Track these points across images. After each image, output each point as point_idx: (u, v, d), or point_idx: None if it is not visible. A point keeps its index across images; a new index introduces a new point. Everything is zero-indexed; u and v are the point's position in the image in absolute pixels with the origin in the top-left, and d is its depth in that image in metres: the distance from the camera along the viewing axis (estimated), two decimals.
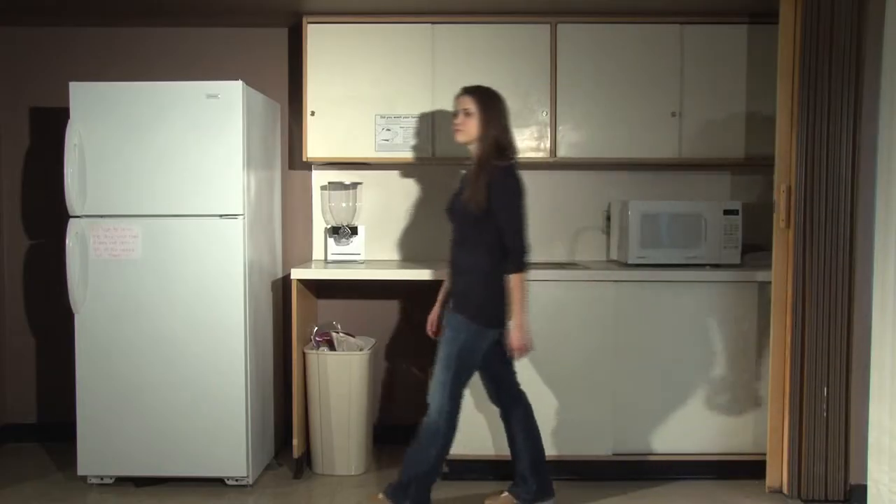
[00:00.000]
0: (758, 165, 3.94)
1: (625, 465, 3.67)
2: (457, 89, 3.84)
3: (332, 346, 3.79)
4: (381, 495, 3.28)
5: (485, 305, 3.11)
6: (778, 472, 3.45)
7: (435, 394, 3.15)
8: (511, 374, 3.34)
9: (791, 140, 3.38)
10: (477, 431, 3.64)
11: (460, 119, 3.16)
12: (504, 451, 3.64)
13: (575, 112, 3.88)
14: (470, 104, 3.14)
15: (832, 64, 3.31)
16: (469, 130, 3.14)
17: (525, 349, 3.13)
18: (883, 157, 3.22)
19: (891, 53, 3.17)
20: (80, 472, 3.55)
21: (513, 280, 3.07)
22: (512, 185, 3.09)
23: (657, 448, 3.67)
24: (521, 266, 3.07)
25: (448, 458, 3.64)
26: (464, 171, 3.25)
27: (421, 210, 4.18)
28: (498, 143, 3.12)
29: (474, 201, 3.04)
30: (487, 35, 3.87)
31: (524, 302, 3.08)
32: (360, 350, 3.80)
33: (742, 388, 3.65)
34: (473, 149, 3.16)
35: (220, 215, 3.47)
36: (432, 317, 3.47)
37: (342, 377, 3.70)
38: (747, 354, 3.65)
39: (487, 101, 3.15)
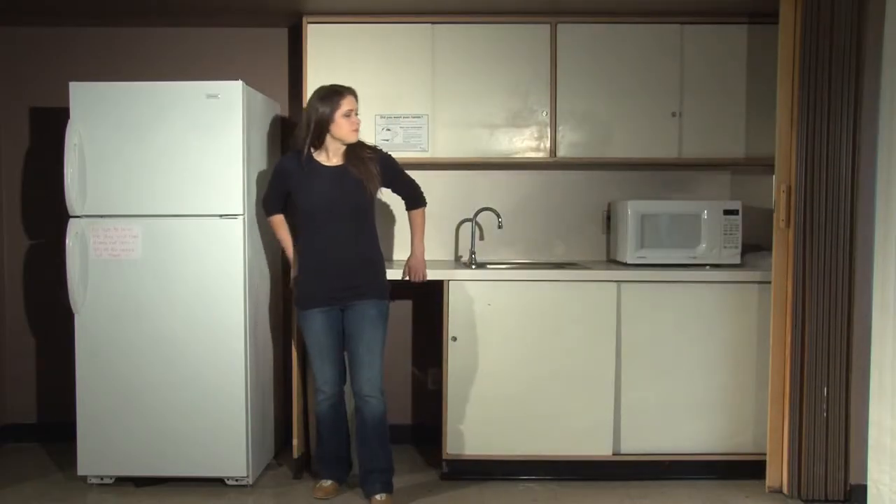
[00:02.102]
0: (758, 165, 3.95)
1: (625, 465, 3.67)
2: (457, 89, 3.87)
3: None
4: (379, 496, 3.31)
5: (386, 283, 3.40)
6: (778, 472, 3.45)
7: (376, 384, 3.29)
8: None
9: (791, 140, 3.38)
10: (477, 432, 3.64)
11: (357, 119, 3.32)
12: (505, 451, 3.65)
13: (575, 112, 3.88)
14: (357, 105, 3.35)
15: (832, 64, 3.31)
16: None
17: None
18: (883, 157, 3.22)
19: (891, 53, 3.17)
20: (80, 472, 3.54)
21: (420, 214, 3.52)
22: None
23: (657, 448, 3.66)
24: (425, 201, 3.54)
25: (448, 458, 3.65)
26: (332, 166, 3.30)
27: None
28: None
29: (374, 186, 3.31)
30: (487, 35, 3.87)
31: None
32: None
33: (742, 388, 3.65)
34: (348, 144, 3.32)
35: (220, 215, 3.47)
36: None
37: None
38: (747, 354, 3.65)
39: None
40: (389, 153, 3.44)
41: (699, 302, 3.63)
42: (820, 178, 3.34)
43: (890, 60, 3.18)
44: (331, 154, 3.31)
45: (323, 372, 3.38)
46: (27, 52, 4.19)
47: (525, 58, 3.87)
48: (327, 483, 3.50)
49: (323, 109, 3.24)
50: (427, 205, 3.54)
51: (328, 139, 3.29)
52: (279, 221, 3.49)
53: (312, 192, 3.28)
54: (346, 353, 3.40)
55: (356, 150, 3.32)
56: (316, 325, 3.33)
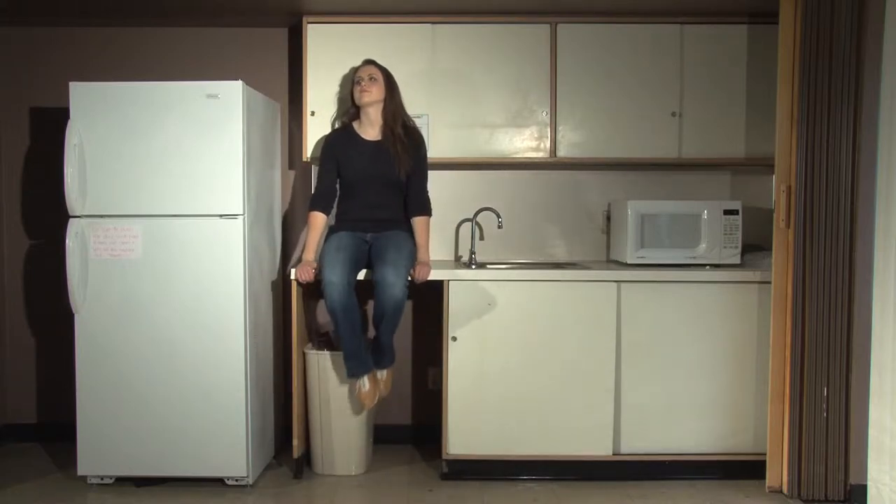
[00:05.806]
0: (758, 165, 3.95)
1: (625, 465, 3.67)
2: (457, 89, 3.88)
3: (332, 346, 3.78)
4: (379, 373, 3.62)
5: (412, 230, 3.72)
6: (778, 472, 3.45)
7: (399, 279, 3.40)
8: None
9: (791, 140, 3.38)
10: (477, 432, 3.64)
11: (368, 84, 3.62)
12: (505, 451, 3.65)
13: (575, 112, 3.88)
14: (376, 71, 3.65)
15: (832, 64, 3.31)
16: (375, 93, 3.63)
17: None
18: (883, 157, 3.22)
19: (891, 53, 3.17)
20: (80, 472, 3.55)
21: (425, 223, 3.72)
22: None
23: (657, 448, 3.67)
24: (430, 211, 3.79)
25: (448, 458, 3.66)
26: (370, 140, 3.66)
27: None
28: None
29: (404, 163, 3.63)
30: (487, 35, 3.87)
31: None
32: None
33: (742, 388, 3.65)
34: (385, 120, 3.67)
35: (220, 215, 3.47)
36: (312, 261, 3.63)
37: (342, 377, 3.69)
38: (747, 354, 3.65)
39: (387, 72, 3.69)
40: (424, 146, 3.73)
41: (699, 302, 3.63)
42: (820, 178, 3.34)
43: (890, 60, 3.18)
44: (366, 125, 3.67)
45: (333, 266, 3.43)
46: (27, 52, 4.19)
47: (525, 58, 3.87)
48: (366, 384, 3.57)
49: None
50: (432, 215, 3.75)
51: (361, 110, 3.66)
52: (320, 223, 3.67)
53: (352, 162, 3.62)
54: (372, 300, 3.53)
55: (392, 127, 3.61)
56: (340, 236, 3.59)
